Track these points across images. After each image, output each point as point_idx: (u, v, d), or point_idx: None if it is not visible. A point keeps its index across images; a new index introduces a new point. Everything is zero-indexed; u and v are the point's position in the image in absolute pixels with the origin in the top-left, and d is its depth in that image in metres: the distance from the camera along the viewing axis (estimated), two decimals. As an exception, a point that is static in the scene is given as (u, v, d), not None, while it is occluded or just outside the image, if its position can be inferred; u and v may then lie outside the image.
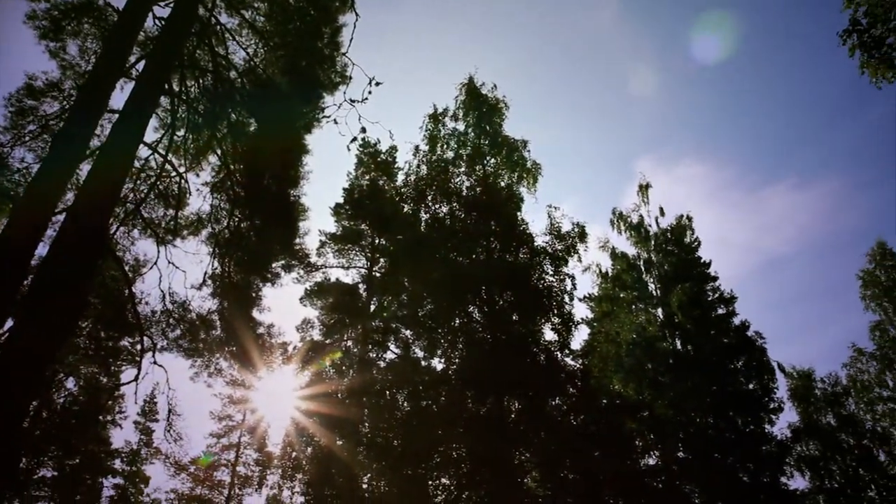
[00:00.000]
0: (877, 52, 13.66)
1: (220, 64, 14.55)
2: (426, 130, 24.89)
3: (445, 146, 24.66)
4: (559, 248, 22.45)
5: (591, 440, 19.46)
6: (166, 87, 12.99)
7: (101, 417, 32.47)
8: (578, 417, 20.22)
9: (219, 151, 15.32)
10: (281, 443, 28.10)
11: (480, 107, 25.07)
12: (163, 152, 14.46)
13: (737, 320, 28.84)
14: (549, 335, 21.32)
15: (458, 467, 19.46)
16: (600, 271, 31.23)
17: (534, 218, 33.85)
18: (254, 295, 17.46)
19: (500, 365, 19.11)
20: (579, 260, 22.54)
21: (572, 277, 22.05)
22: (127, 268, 15.81)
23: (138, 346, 16.56)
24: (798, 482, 37.07)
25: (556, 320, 21.30)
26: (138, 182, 15.33)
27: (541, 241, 22.65)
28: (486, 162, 24.44)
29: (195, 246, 16.51)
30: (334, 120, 13.81)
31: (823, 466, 32.06)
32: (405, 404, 21.31)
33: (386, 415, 21.13)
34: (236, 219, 16.15)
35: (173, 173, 15.28)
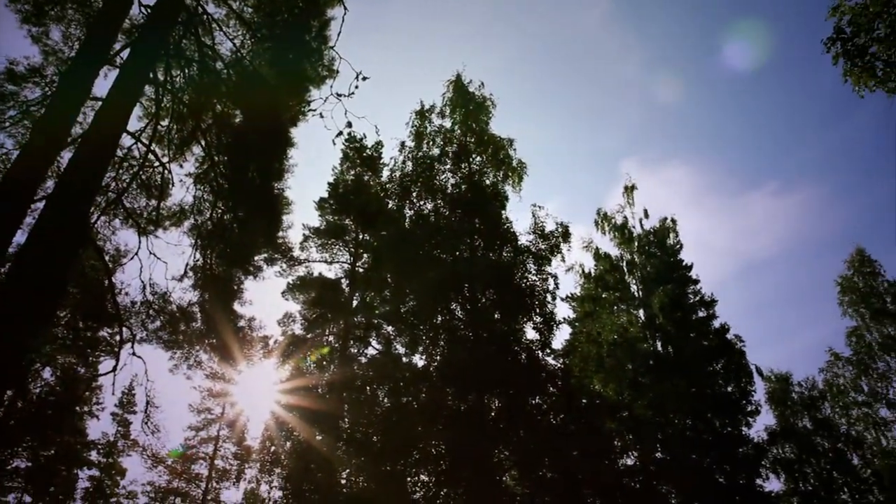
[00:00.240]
0: (860, 60, 13.81)
1: (206, 54, 14.42)
2: (412, 126, 24.85)
3: (431, 143, 24.63)
4: (543, 247, 22.51)
5: (570, 439, 19.52)
6: (151, 76, 12.87)
7: (77, 408, 32.12)
8: (558, 416, 20.28)
9: (203, 142, 15.19)
10: (260, 437, 28.02)
11: (467, 104, 25.07)
12: (146, 142, 14.32)
13: (717, 323, 29.13)
14: (530, 334, 21.38)
15: (437, 464, 19.46)
16: (583, 271, 31.38)
17: (518, 217, 34.23)
18: (235, 288, 17.36)
19: (482, 363, 19.14)
20: (563, 259, 22.63)
21: (555, 277, 22.14)
22: (107, 258, 15.68)
23: (117, 337, 16.37)
24: (773, 484, 37.52)
25: (538, 319, 21.36)
26: (120, 171, 15.17)
27: (525, 239, 22.72)
28: (471, 160, 24.44)
29: (177, 237, 16.41)
30: (320, 114, 13.72)
31: (798, 469, 32.48)
32: (385, 400, 21.28)
33: (366, 410, 21.10)
34: (219, 210, 16.04)
35: (156, 163, 15.15)
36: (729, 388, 27.51)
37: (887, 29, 13.32)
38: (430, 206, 23.47)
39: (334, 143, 13.74)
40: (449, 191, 23.65)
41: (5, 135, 13.51)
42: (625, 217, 32.82)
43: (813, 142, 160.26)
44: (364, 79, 13.34)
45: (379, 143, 31.06)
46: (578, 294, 31.14)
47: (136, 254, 15.42)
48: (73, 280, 16.36)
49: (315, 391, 24.90)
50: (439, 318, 21.35)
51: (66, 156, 12.75)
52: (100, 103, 10.41)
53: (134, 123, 14.56)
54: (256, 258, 17.78)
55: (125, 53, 12.52)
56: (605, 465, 21.32)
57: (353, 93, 13.52)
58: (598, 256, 31.82)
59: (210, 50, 14.56)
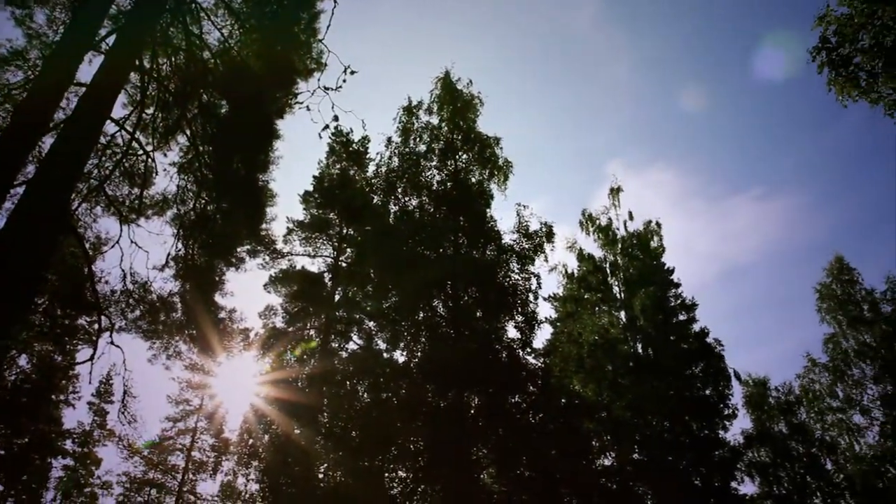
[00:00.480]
0: (844, 70, 13.99)
1: (193, 43, 14.30)
2: (400, 122, 24.81)
3: (418, 139, 24.61)
4: (526, 246, 22.59)
5: (548, 439, 19.63)
6: (137, 63, 12.75)
7: (53, 397, 31.77)
8: (537, 416, 20.37)
9: (188, 132, 15.07)
10: (238, 429, 27.87)
11: (455, 102, 25.07)
12: (130, 129, 14.19)
13: (697, 327, 29.37)
14: (512, 333, 21.47)
15: (416, 460, 19.50)
16: (566, 272, 31.49)
17: (502, 215, 34.12)
18: (217, 279, 17.24)
19: (462, 360, 19.18)
20: (546, 259, 22.73)
21: (538, 276, 22.23)
22: (88, 245, 15.51)
23: (95, 326, 16.21)
24: (748, 487, 37.89)
25: (520, 318, 21.44)
26: (103, 159, 15.03)
27: (508, 238, 22.79)
28: (457, 157, 24.45)
29: (159, 226, 16.27)
30: (307, 107, 13.65)
31: (773, 473, 32.85)
32: (365, 395, 21.28)
33: (345, 405, 21.08)
34: (203, 201, 15.92)
35: (140, 151, 15.01)
36: (707, 392, 27.76)
37: (871, 40, 13.50)
38: (415, 202, 23.47)
39: (321, 137, 13.69)
40: (434, 187, 23.65)
41: (-13, 118, 13.34)
42: (609, 218, 32.97)
43: (798, 148, 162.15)
44: (352, 73, 13.30)
45: (365, 138, 30.98)
46: (561, 294, 31.25)
47: (118, 242, 15.29)
48: (53, 267, 16.18)
49: (295, 385, 24.82)
50: (421, 315, 21.37)
51: (48, 141, 12.63)
52: (84, 89, 10.30)
53: (118, 111, 14.38)
54: (239, 250, 17.66)
55: (111, 39, 12.37)
56: (583, 465, 21.48)
57: (340, 86, 13.47)
58: (582, 257, 31.95)
59: (197, 39, 14.44)
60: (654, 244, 32.14)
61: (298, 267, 28.57)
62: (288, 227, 29.09)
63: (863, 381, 32.84)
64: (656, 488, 25.24)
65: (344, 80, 13.38)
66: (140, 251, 15.56)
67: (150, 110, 14.90)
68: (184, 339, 17.73)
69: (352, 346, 25.95)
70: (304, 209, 29.74)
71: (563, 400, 21.55)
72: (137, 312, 16.62)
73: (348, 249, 28.71)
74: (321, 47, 15.12)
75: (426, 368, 19.96)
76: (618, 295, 30.90)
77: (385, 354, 22.25)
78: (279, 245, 28.04)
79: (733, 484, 26.21)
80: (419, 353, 20.89)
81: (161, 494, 37.12)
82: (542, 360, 21.75)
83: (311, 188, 30.02)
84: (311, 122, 13.36)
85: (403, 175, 23.66)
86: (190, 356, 27.78)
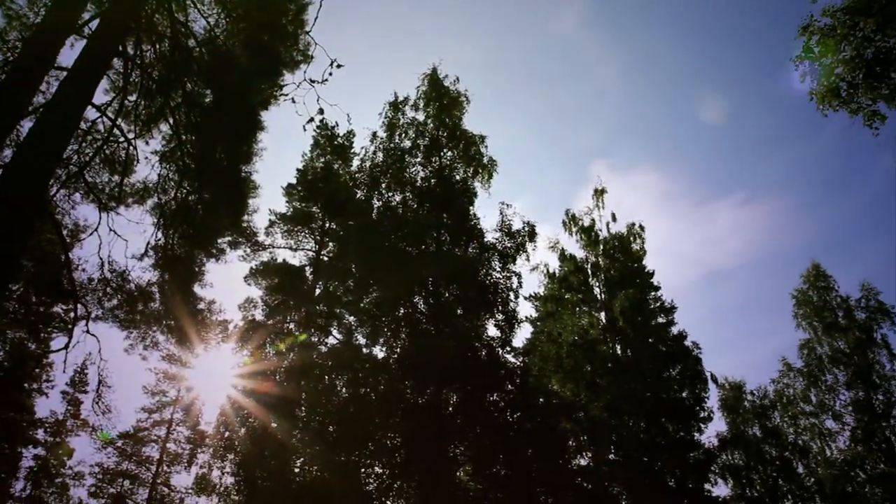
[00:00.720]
0: (826, 80, 14.14)
1: (178, 31, 14.14)
2: (385, 117, 24.75)
3: (403, 135, 24.57)
4: (508, 245, 22.63)
5: (525, 437, 19.70)
6: (120, 48, 12.58)
7: (26, 385, 31.32)
8: (515, 414, 20.44)
9: (171, 120, 14.89)
10: (215, 422, 27.65)
11: (441, 98, 25.05)
12: (112, 116, 14.00)
13: (675, 329, 29.61)
14: (492, 331, 21.52)
15: (392, 456, 19.49)
16: (548, 271, 31.53)
17: (485, 213, 34.04)
18: (197, 269, 17.08)
19: (442, 357, 19.18)
20: (528, 259, 22.80)
21: (519, 275, 22.30)
22: (65, 232, 15.31)
23: (71, 314, 16.01)
24: (721, 489, 38.38)
25: (500, 317, 21.49)
26: (84, 145, 14.82)
27: (491, 237, 22.84)
28: (442, 154, 24.44)
29: (139, 215, 16.07)
30: (292, 99, 13.55)
31: (746, 475, 33.30)
32: (343, 390, 21.22)
33: (323, 399, 21.01)
34: (184, 190, 15.75)
35: (121, 138, 14.82)
36: (684, 394, 28.01)
37: (853, 52, 13.65)
38: (398, 197, 23.44)
39: (305, 130, 13.59)
40: (418, 184, 23.63)
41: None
42: (592, 219, 33.02)
43: (780, 155, 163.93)
44: (339, 66, 13.21)
45: (350, 132, 30.84)
46: (542, 294, 31.31)
47: (96, 230, 15.10)
48: (29, 253, 15.94)
49: (273, 378, 24.67)
50: (402, 311, 21.35)
51: (26, 125, 12.44)
52: (65, 73, 10.14)
53: (100, 96, 14.19)
54: (220, 241, 17.51)
55: (94, 24, 12.19)
56: (559, 464, 21.58)
57: (326, 80, 13.38)
58: (564, 257, 32.01)
59: (183, 27, 14.27)
60: (635, 247, 32.28)
61: (280, 260, 28.42)
62: (270, 220, 28.92)
63: (835, 387, 33.36)
64: (631, 489, 25.42)
65: (330, 74, 13.28)
66: (119, 240, 15.38)
67: (133, 97, 14.71)
68: (161, 329, 17.56)
69: (331, 340, 25.86)
70: (287, 202, 29.58)
71: (541, 399, 21.64)
72: (115, 301, 16.42)
73: (330, 243, 28.57)
74: (308, 39, 15.02)
75: (405, 364, 19.95)
76: (598, 296, 31.03)
77: (365, 350, 22.21)
78: (261, 237, 27.89)
79: (707, 486, 26.50)
80: (399, 350, 20.87)
81: (134, 486, 36.75)
82: (521, 359, 21.82)
83: (294, 181, 29.85)
84: (296, 114, 13.25)
85: (388, 170, 23.62)
86: (167, 347, 27.58)
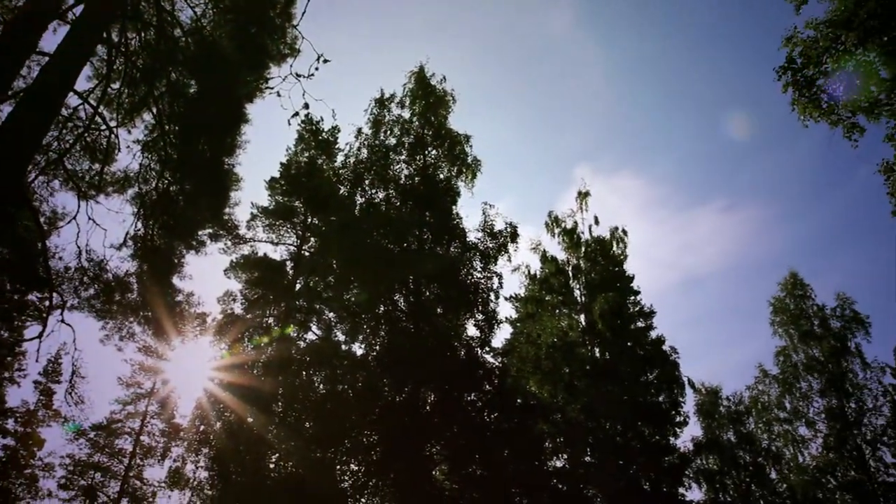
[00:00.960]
0: (807, 91, 14.33)
1: (165, 20, 14.02)
2: (371, 114, 24.66)
3: (389, 132, 24.50)
4: (490, 245, 22.64)
5: (502, 438, 19.72)
6: (104, 35, 12.44)
7: (-3, 373, 30.85)
8: (492, 414, 20.46)
9: (154, 110, 14.77)
10: (190, 415, 27.41)
11: (428, 97, 25.01)
12: (94, 103, 13.86)
13: (654, 334, 29.82)
14: (471, 331, 21.51)
15: (369, 454, 19.44)
16: (529, 273, 31.60)
17: (468, 213, 34.05)
18: (176, 261, 16.96)
19: (420, 356, 19.18)
20: (509, 259, 22.83)
21: (500, 276, 22.31)
22: (43, 219, 15.12)
23: (46, 303, 15.81)
24: (695, 493, 38.70)
25: (480, 317, 21.49)
26: (64, 131, 14.64)
27: (473, 236, 22.82)
28: (427, 152, 24.41)
29: (119, 204, 15.96)
30: (277, 92, 13.50)
31: (720, 480, 33.66)
32: (321, 386, 21.14)
33: (301, 395, 20.92)
34: (166, 181, 15.63)
35: (103, 126, 14.67)
36: (661, 398, 28.21)
37: (834, 64, 13.84)
38: (381, 195, 23.38)
39: (290, 124, 13.56)
40: (402, 181, 23.59)
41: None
42: (575, 222, 33.13)
43: (761, 164, 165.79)
44: (325, 61, 13.16)
45: (335, 128, 30.72)
46: (522, 295, 31.40)
47: (74, 218, 14.94)
48: (4, 240, 15.70)
49: (250, 373, 24.52)
50: (382, 309, 21.30)
51: (5, 109, 12.26)
52: (47, 59, 10.01)
53: (82, 83, 14.03)
54: (200, 233, 17.42)
55: (79, 9, 12.04)
56: (535, 465, 21.63)
57: (312, 74, 13.33)
58: (545, 259, 32.10)
59: (169, 16, 14.16)
60: (616, 250, 32.44)
61: (260, 253, 28.26)
62: (252, 213, 28.73)
63: (809, 395, 33.81)
64: (606, 492, 25.55)
65: (316, 69, 13.25)
66: (98, 229, 15.23)
67: (116, 85, 14.57)
68: (138, 320, 17.42)
69: (310, 336, 25.75)
70: (270, 195, 29.40)
71: (518, 400, 21.67)
72: (91, 291, 16.26)
73: (312, 239, 28.45)
74: (295, 33, 14.99)
75: (384, 362, 19.91)
76: (579, 298, 31.16)
77: (344, 346, 22.13)
78: (242, 230, 27.68)
79: (681, 490, 26.70)
80: (378, 347, 20.83)
81: (106, 478, 36.30)
82: (499, 359, 21.85)
83: (277, 175, 29.69)
84: (281, 108, 13.19)
85: (372, 167, 23.55)
86: (144, 338, 27.25)
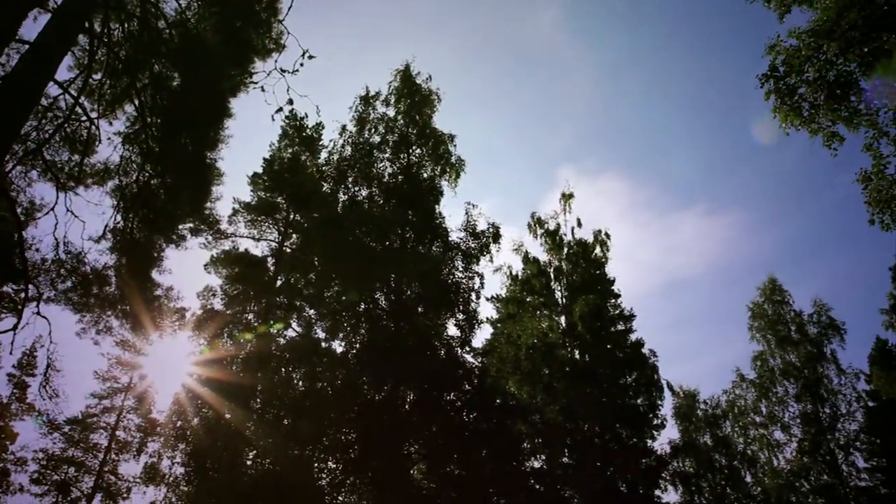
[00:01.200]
0: (789, 99, 14.47)
1: (149, 11, 13.90)
2: (356, 111, 24.61)
3: (373, 130, 24.46)
4: (473, 245, 22.67)
5: (481, 438, 19.74)
6: (86, 25, 12.31)
7: (-32, 365, 30.33)
8: (471, 414, 20.48)
9: (136, 102, 14.63)
10: (167, 410, 27.18)
11: (413, 95, 25.00)
12: (75, 94, 13.69)
13: (633, 337, 29.99)
14: (452, 330, 21.53)
15: (347, 452, 19.38)
16: (510, 273, 31.65)
17: (451, 213, 33.88)
18: (156, 255, 16.81)
19: (401, 354, 19.16)
20: (491, 260, 22.86)
21: (481, 276, 22.36)
22: (20, 210, 14.92)
23: (22, 295, 15.58)
24: (671, 496, 39.07)
25: (461, 316, 21.51)
26: (43, 121, 14.46)
27: (455, 236, 22.84)
28: (411, 151, 24.40)
29: (98, 196, 15.79)
30: (262, 87, 13.46)
31: (695, 483, 33.95)
32: (300, 383, 21.05)
33: (279, 392, 20.81)
34: (147, 174, 15.49)
35: (83, 117, 14.50)
36: (639, 401, 28.39)
37: (815, 73, 14.00)
38: (365, 192, 23.35)
39: (274, 119, 13.50)
40: (385, 179, 23.57)
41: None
42: (558, 223, 33.20)
43: (743, 169, 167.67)
44: (310, 57, 13.13)
45: (319, 124, 30.66)
46: (503, 295, 31.42)
47: (53, 209, 14.76)
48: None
49: (228, 369, 24.37)
50: (363, 306, 21.26)
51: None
52: (27, 47, 9.88)
53: (63, 73, 13.86)
54: (181, 227, 17.28)
55: (60, -2, 11.89)
56: (513, 465, 21.67)
57: (297, 70, 13.30)
58: (527, 260, 32.16)
59: (153, 7, 14.04)
60: (598, 253, 32.55)
61: (242, 249, 28.12)
62: (234, 208, 28.59)
63: (785, 399, 34.23)
64: (583, 493, 25.66)
65: (301, 64, 13.22)
66: (76, 221, 15.07)
67: (98, 76, 14.42)
68: (116, 314, 17.23)
69: (290, 332, 25.64)
70: (252, 191, 29.26)
71: (497, 400, 21.70)
72: (69, 283, 16.07)
73: (294, 235, 28.34)
74: (281, 28, 14.91)
75: (364, 360, 19.87)
76: (560, 300, 31.25)
77: (323, 344, 22.05)
78: (223, 225, 27.54)
79: (657, 492, 26.88)
80: (358, 345, 20.79)
81: (80, 473, 35.88)
82: (479, 359, 21.89)
83: (260, 170, 29.54)
84: (265, 103, 13.15)
85: (355, 164, 23.50)
86: (121, 332, 26.96)
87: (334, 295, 21.70)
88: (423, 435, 19.88)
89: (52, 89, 13.35)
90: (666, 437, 36.62)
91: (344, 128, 24.16)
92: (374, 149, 24.01)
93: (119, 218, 15.54)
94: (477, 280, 22.21)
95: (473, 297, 21.93)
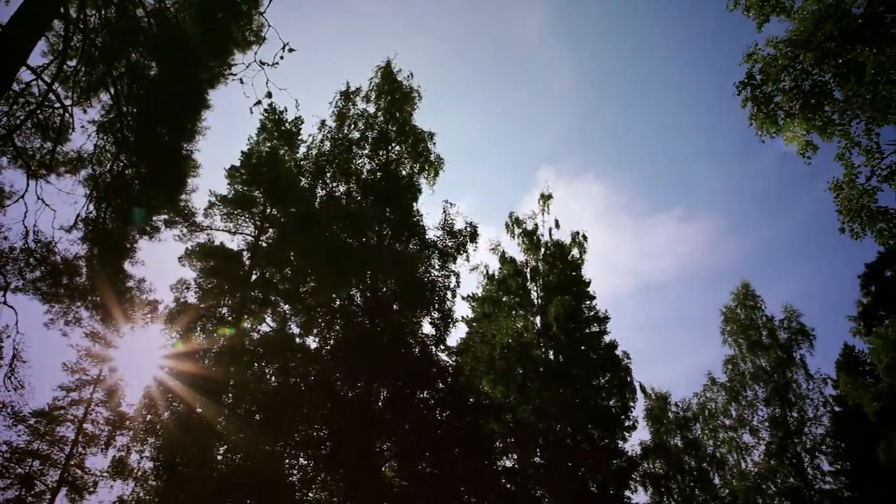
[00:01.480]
0: (765, 107, 14.64)
1: (126, -2, 13.69)
2: (336, 107, 24.53)
3: (353, 126, 24.40)
4: (450, 244, 22.70)
5: (453, 436, 19.77)
6: (61, 10, 12.11)
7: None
8: (444, 413, 20.50)
9: (112, 90, 14.41)
10: (138, 404, 26.84)
11: (394, 92, 24.96)
12: (48, 80, 13.46)
13: (607, 338, 30.24)
14: (427, 328, 21.56)
15: (318, 448, 19.31)
16: (487, 273, 31.77)
17: (429, 211, 33.98)
18: (128, 246, 16.58)
19: (375, 351, 19.12)
20: (468, 259, 22.93)
21: (458, 275, 22.40)
22: (-12, 197, 14.63)
23: (-11, 284, 15.28)
24: (640, 497, 39.45)
25: (436, 315, 21.54)
26: (15, 107, 14.17)
27: (433, 234, 22.88)
28: (390, 148, 24.37)
29: (71, 185, 15.53)
30: (241, 79, 13.36)
31: (665, 484, 34.32)
32: (273, 378, 20.92)
33: (252, 386, 20.66)
34: (121, 163, 15.27)
35: (57, 104, 14.26)
36: (612, 402, 28.64)
37: (791, 82, 14.18)
38: (343, 188, 23.28)
39: (252, 112, 13.43)
40: (364, 176, 23.51)
41: None
42: (536, 224, 33.36)
43: (719, 175, 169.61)
44: (290, 51, 13.07)
45: (298, 119, 30.46)
46: (479, 294, 31.51)
47: (23, 197, 14.50)
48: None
49: (201, 363, 24.13)
50: (338, 302, 21.19)
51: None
52: (-1, 30, 9.68)
53: (37, 58, 13.60)
54: (155, 218, 17.06)
55: (35, -18, 11.67)
56: (485, 464, 21.73)
57: (277, 63, 13.23)
58: (504, 260, 32.29)
59: (131, -6, 13.82)
60: (575, 254, 32.76)
61: (217, 242, 27.82)
62: (210, 201, 28.27)
63: (755, 403, 34.68)
64: (553, 493, 25.83)
65: (282, 58, 13.15)
66: (47, 209, 14.80)
67: (73, 63, 14.17)
68: (86, 305, 16.98)
69: (264, 327, 25.45)
70: (229, 184, 28.98)
71: (470, 399, 21.74)
72: (37, 273, 15.79)
73: (270, 229, 28.13)
74: (262, 20, 14.81)
75: (338, 356, 19.81)
76: (535, 300, 31.40)
77: (297, 339, 21.94)
78: (199, 218, 27.19)
79: (627, 493, 27.17)
80: (332, 341, 20.71)
81: (45, 467, 35.28)
82: (454, 358, 21.93)
83: (237, 163, 29.27)
84: (244, 95, 13.05)
85: (334, 160, 23.42)
86: (91, 324, 26.61)
87: (309, 290, 21.60)
88: (395, 432, 19.87)
89: (25, 74, 13.09)
90: (637, 439, 37.09)
91: (323, 123, 24.07)
92: (353, 145, 23.95)
93: (91, 207, 15.32)
94: (453, 279, 22.26)
95: (449, 295, 21.98)
